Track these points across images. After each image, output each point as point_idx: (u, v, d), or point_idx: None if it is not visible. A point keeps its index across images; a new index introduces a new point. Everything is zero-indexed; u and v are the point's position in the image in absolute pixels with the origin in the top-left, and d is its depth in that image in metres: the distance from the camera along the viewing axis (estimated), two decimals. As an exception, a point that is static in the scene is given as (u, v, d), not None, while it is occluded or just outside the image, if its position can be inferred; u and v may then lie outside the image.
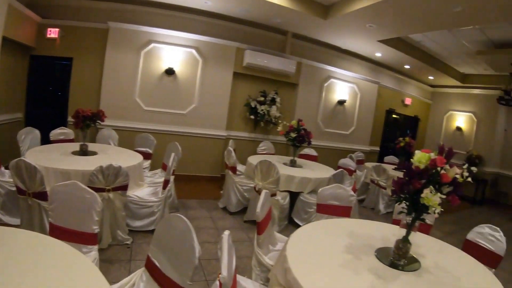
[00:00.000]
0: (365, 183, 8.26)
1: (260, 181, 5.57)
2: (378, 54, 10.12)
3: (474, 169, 2.46)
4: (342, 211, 4.02)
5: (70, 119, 5.21)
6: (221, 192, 6.85)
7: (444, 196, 2.23)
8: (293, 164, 6.65)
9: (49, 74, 7.73)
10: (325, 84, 9.90)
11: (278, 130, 6.62)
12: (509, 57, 8.33)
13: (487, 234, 3.26)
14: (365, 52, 10.14)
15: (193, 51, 7.94)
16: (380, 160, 10.98)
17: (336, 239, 2.86)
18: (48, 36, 7.17)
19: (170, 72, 7.71)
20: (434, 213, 2.23)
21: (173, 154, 5.17)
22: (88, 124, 5.01)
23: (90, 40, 7.38)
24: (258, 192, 5.39)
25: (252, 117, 8.72)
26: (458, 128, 12.54)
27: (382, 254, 2.61)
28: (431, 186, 2.22)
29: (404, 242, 2.51)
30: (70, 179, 3.33)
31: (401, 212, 2.50)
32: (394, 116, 12.72)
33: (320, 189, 4.10)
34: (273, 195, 5.43)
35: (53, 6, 7.22)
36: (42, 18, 7.10)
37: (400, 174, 2.47)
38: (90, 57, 7.43)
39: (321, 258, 2.50)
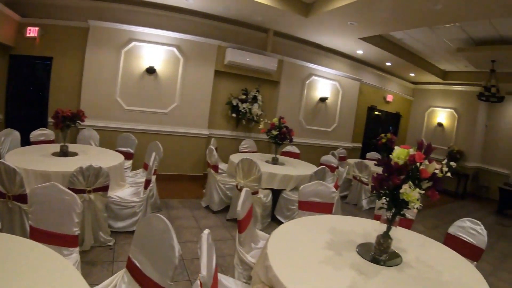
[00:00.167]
0: (348, 179, 8.30)
1: (242, 179, 5.57)
2: (360, 52, 10.18)
3: (453, 164, 2.48)
4: (324, 208, 4.02)
5: (50, 119, 5.13)
6: (204, 191, 6.83)
7: (423, 192, 2.24)
8: (275, 161, 6.66)
9: (29, 74, 7.61)
10: (307, 82, 9.92)
11: (259, 128, 6.61)
12: (489, 54, 8.46)
13: (468, 228, 3.30)
14: (347, 49, 10.19)
15: (174, 49, 7.89)
16: (363, 156, 11.09)
17: (318, 236, 2.87)
18: (28, 35, 7.04)
19: (151, 71, 7.65)
20: (414, 208, 2.24)
21: (154, 154, 5.13)
22: (68, 125, 4.94)
23: (70, 39, 7.27)
24: (240, 190, 5.36)
25: (234, 115, 8.71)
26: (440, 124, 12.73)
27: (363, 250, 2.63)
28: (409, 182, 2.23)
29: (385, 238, 2.53)
30: (51, 180, 3.28)
31: (381, 208, 2.51)
32: (376, 112, 12.83)
33: (302, 186, 4.10)
34: (255, 193, 5.44)
35: (33, 5, 7.09)
36: (22, 17, 6.98)
37: (381, 170, 2.48)
38: (70, 56, 7.31)
39: (302, 255, 2.50)
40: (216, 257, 2.24)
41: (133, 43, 7.50)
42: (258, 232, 3.85)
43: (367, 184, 7.70)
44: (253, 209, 5.32)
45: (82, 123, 5.28)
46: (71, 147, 5.26)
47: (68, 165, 4.25)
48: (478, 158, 12.18)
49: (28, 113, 7.56)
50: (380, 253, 2.52)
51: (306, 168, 6.62)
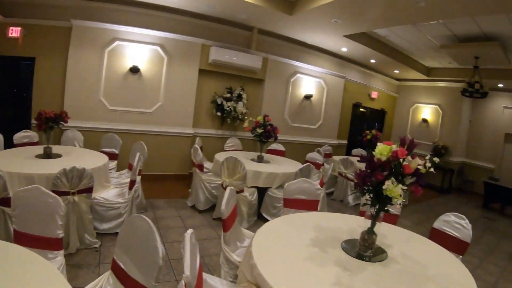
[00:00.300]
0: (333, 176, 8.36)
1: (227, 178, 5.57)
2: (344, 49, 10.21)
3: (436, 159, 2.50)
4: (309, 205, 4.04)
5: (34, 121, 5.06)
6: (189, 190, 6.80)
7: (405, 187, 2.25)
8: (260, 159, 6.67)
9: (12, 75, 7.48)
10: (292, 79, 9.94)
11: (244, 126, 6.60)
12: (472, 51, 8.54)
13: (453, 222, 3.34)
14: (331, 47, 10.20)
15: (158, 48, 7.84)
16: (348, 153, 11.13)
17: (303, 233, 2.87)
18: (10, 35, 6.88)
19: (135, 70, 7.59)
20: (397, 204, 2.25)
21: (138, 154, 5.10)
22: (52, 126, 4.88)
23: (53, 39, 7.15)
24: (226, 189, 5.37)
25: (218, 114, 8.68)
26: (424, 120, 12.88)
27: (348, 246, 2.64)
28: (392, 178, 2.24)
29: (369, 234, 2.54)
30: (34, 183, 3.23)
31: (365, 204, 2.52)
32: (361, 109, 12.90)
33: (286, 184, 4.11)
34: (241, 191, 5.45)
35: (15, 4, 6.94)
36: (4, 17, 6.83)
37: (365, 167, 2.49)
38: (53, 56, 7.20)
39: (287, 253, 2.51)
40: (202, 257, 2.24)
41: (116, 43, 7.43)
42: (244, 231, 3.84)
43: (352, 181, 7.73)
44: (239, 207, 5.35)
45: (65, 124, 5.20)
46: (55, 149, 5.20)
47: (52, 167, 4.21)
48: (463, 153, 12.37)
49: (11, 114, 7.44)
50: (365, 249, 2.54)
51: (291, 166, 6.63)
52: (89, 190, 4.17)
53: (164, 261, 2.02)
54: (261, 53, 9.04)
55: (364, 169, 2.44)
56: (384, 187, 2.23)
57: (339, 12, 6.84)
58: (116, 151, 6.57)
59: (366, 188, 2.41)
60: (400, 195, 2.21)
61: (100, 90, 7.41)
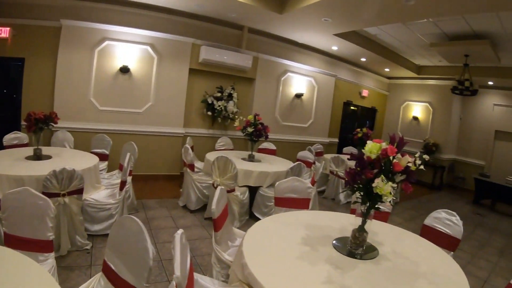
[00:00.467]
0: (325, 174, 8.38)
1: (218, 178, 5.57)
2: (335, 48, 10.23)
3: (426, 157, 2.51)
4: (300, 204, 4.04)
5: (23, 122, 5.03)
6: (181, 190, 6.80)
7: (395, 185, 2.26)
8: (251, 158, 6.67)
9: (0, 76, 7.39)
10: (282, 78, 9.95)
11: (235, 125, 6.60)
12: (462, 49, 8.59)
13: (444, 219, 3.37)
14: (322, 45, 10.23)
15: (148, 48, 7.80)
16: (339, 151, 11.18)
17: (293, 232, 2.88)
18: (-1, 35, 6.88)
19: (125, 70, 7.54)
20: (387, 202, 2.25)
21: (128, 154, 5.07)
22: (41, 127, 4.84)
23: (43, 39, 7.08)
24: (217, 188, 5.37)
25: (209, 113, 8.67)
26: (415, 118, 12.96)
27: (340, 244, 2.65)
28: (382, 176, 2.24)
29: (360, 231, 2.55)
30: (24, 185, 3.20)
31: (356, 202, 2.52)
32: (352, 107, 12.95)
33: (277, 183, 4.11)
34: (232, 190, 5.44)
35: (3, 4, 6.86)
36: (-7, 17, 6.82)
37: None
38: (43, 56, 7.13)
39: (278, 252, 2.51)
40: (194, 257, 2.23)
41: (106, 42, 7.38)
42: (235, 230, 3.84)
43: (343, 179, 7.74)
44: (230, 207, 5.35)
45: (55, 125, 5.16)
46: (45, 150, 5.17)
47: (42, 168, 4.18)
48: (454, 150, 12.47)
49: (0, 116, 7.38)
50: (356, 247, 2.54)
51: (282, 165, 6.64)
52: (79, 192, 4.14)
53: (156, 262, 2.01)
54: (251, 52, 9.03)
55: (354, 167, 2.44)
56: (374, 184, 2.24)
57: (329, 11, 6.85)
58: (107, 152, 6.54)
59: (356, 186, 2.42)
60: (390, 193, 2.22)
61: (90, 90, 7.36)
